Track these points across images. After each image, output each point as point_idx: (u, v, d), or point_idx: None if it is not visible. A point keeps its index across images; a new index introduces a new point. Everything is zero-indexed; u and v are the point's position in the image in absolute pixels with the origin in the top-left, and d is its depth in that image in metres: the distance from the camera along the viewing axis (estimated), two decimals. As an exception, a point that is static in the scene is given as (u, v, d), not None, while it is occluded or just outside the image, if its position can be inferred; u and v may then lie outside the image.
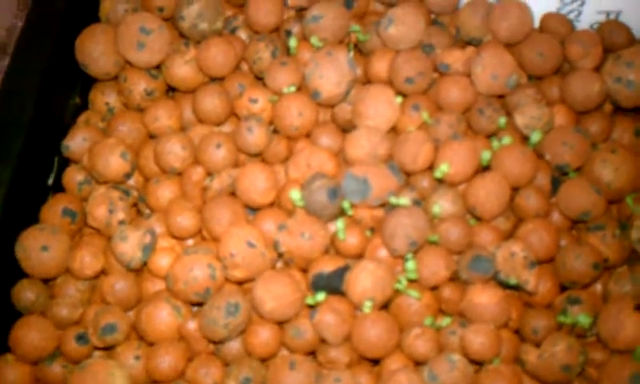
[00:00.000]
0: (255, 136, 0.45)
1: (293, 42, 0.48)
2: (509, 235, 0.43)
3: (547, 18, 0.45)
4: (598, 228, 0.41)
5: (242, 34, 0.51)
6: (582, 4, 0.45)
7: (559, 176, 0.43)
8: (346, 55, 0.46)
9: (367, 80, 0.48)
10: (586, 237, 0.41)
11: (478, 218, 0.43)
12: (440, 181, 0.43)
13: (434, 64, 0.46)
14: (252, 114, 0.46)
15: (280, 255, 0.43)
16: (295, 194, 0.43)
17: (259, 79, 0.49)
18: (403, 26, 0.46)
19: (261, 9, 0.49)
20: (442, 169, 0.42)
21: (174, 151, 0.46)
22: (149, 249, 0.44)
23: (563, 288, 0.42)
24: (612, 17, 0.45)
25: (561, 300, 0.41)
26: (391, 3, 0.49)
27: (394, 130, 0.45)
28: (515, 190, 0.43)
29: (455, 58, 0.46)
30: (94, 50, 0.49)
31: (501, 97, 0.45)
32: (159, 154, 0.46)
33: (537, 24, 0.46)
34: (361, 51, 0.49)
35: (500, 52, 0.44)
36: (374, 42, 0.48)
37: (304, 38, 0.49)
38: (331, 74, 0.46)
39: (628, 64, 0.43)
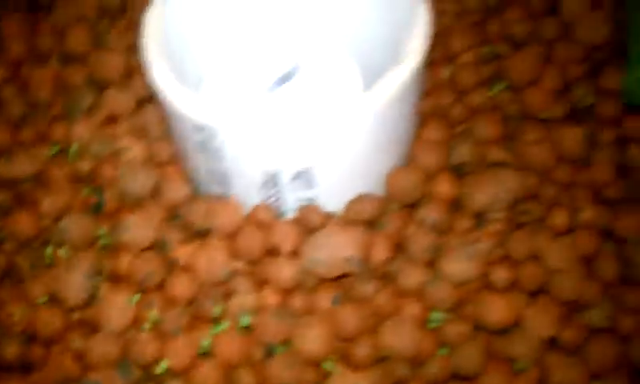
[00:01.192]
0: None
1: (48, 251, 0.54)
2: (230, 414, 0.49)
3: (255, 210, 0.53)
4: (296, 397, 0.48)
5: (10, 246, 0.57)
6: (278, 199, 0.52)
7: (271, 350, 0.50)
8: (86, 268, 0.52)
9: (114, 277, 0.54)
10: (288, 406, 0.48)
11: (202, 403, 0.49)
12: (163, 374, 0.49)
13: (168, 259, 0.53)
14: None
15: None
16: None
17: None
18: (136, 231, 0.53)
19: (21, 219, 0.55)
20: (163, 365, 0.49)
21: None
22: None
23: None
24: (309, 203, 0.53)
25: None
26: (138, 204, 0.56)
27: (134, 327, 0.51)
28: (234, 368, 0.49)
29: (183, 253, 0.53)
30: None
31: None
32: None
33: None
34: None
35: (213, 246, 0.51)
36: (117, 241, 0.54)
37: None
38: (75, 281, 0.52)
39: (320, 245, 0.51)
